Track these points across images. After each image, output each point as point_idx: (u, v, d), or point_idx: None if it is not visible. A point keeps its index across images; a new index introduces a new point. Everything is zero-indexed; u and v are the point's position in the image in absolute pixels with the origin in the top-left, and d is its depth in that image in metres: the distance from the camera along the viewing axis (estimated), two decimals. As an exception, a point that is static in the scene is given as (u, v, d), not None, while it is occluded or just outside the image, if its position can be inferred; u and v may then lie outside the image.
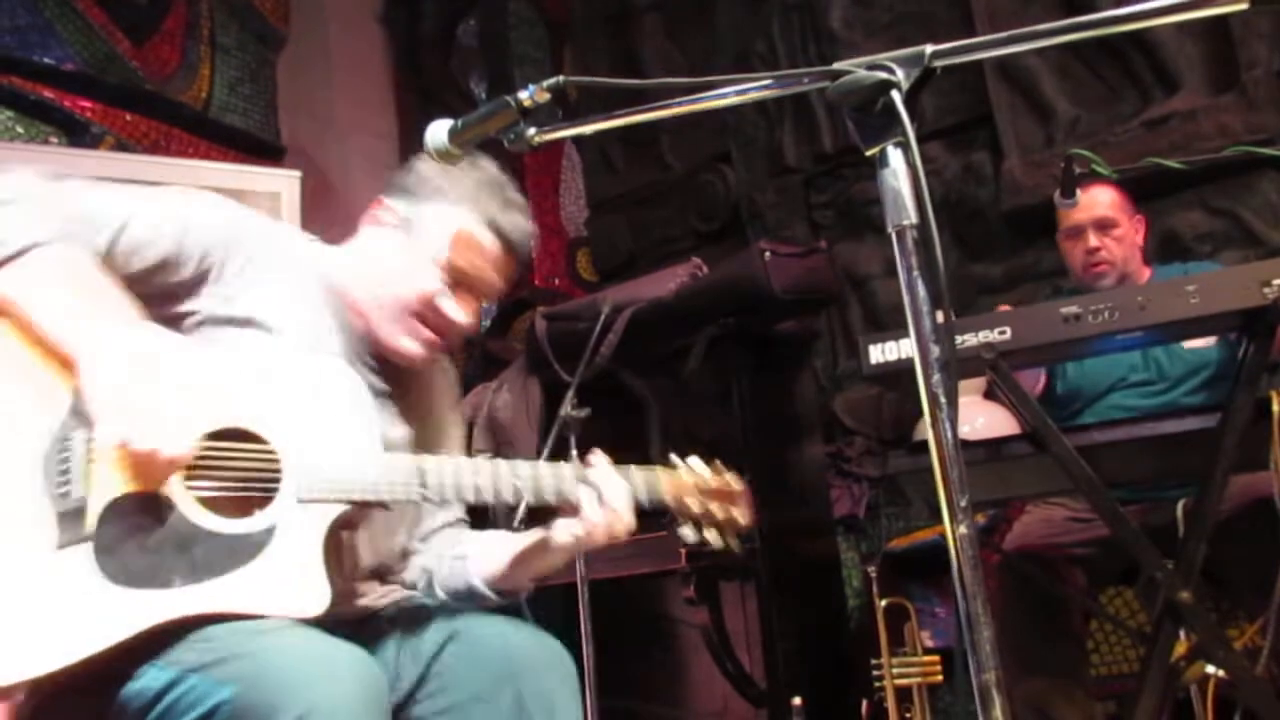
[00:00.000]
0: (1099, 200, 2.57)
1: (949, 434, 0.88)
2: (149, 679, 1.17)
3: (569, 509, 1.42)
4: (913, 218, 0.94)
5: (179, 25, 4.43)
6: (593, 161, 4.82)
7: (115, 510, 1.19)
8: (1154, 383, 2.48)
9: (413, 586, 1.58)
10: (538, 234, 1.56)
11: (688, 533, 1.50)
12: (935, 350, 0.90)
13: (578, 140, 4.63)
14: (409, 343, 1.48)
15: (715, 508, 1.51)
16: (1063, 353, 2.16)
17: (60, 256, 1.23)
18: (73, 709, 1.19)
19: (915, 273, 0.93)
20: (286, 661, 1.13)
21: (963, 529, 0.86)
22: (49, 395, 1.21)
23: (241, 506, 1.26)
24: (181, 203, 1.38)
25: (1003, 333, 1.87)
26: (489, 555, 1.53)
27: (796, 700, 2.66)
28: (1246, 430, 1.79)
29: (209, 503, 1.24)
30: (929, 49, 0.97)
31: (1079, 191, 2.35)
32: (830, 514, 3.45)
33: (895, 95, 0.94)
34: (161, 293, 1.34)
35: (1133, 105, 3.36)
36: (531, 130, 1.30)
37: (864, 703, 2.77)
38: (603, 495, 1.40)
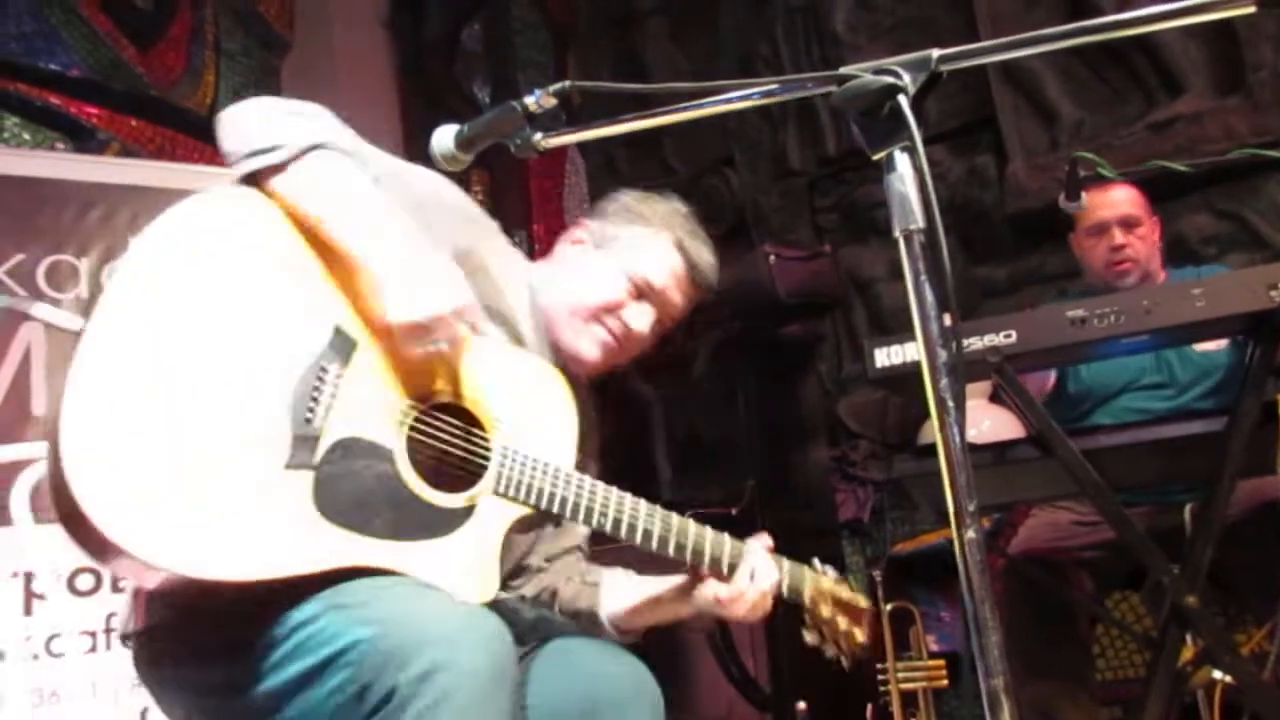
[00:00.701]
0: (1124, 198, 2.57)
1: (957, 438, 0.88)
2: (295, 609, 1.18)
3: (711, 574, 1.48)
4: (920, 222, 0.94)
5: (184, 32, 4.45)
6: (596, 165, 4.83)
7: (343, 448, 1.25)
8: (1166, 385, 2.48)
9: (533, 600, 1.61)
10: (714, 280, 1.69)
11: (812, 638, 1.56)
12: (943, 354, 0.90)
13: (581, 144, 4.64)
14: (588, 345, 1.56)
15: (841, 620, 1.56)
16: (1069, 356, 2.16)
17: (343, 165, 1.32)
18: (212, 616, 1.22)
19: (922, 277, 0.93)
20: (426, 615, 1.15)
21: (970, 533, 0.86)
22: (319, 311, 1.28)
23: (441, 479, 1.33)
24: (436, 178, 1.49)
25: (1008, 336, 1.87)
26: (618, 590, 1.58)
27: (801, 705, 2.66)
28: (1253, 434, 1.78)
29: (423, 468, 1.31)
30: (935, 53, 0.97)
31: (1100, 190, 2.34)
32: (835, 518, 3.45)
33: (902, 100, 0.94)
34: None
35: (1137, 108, 3.36)
36: (538, 135, 1.30)
37: (869, 707, 2.76)
38: (756, 573, 1.47)
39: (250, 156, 1.30)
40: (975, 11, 3.52)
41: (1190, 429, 1.89)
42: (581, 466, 1.58)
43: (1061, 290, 2.96)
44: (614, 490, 1.43)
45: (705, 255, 1.64)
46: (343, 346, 1.29)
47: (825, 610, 1.55)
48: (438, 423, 1.34)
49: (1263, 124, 3.06)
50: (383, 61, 5.00)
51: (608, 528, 1.40)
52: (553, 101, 1.30)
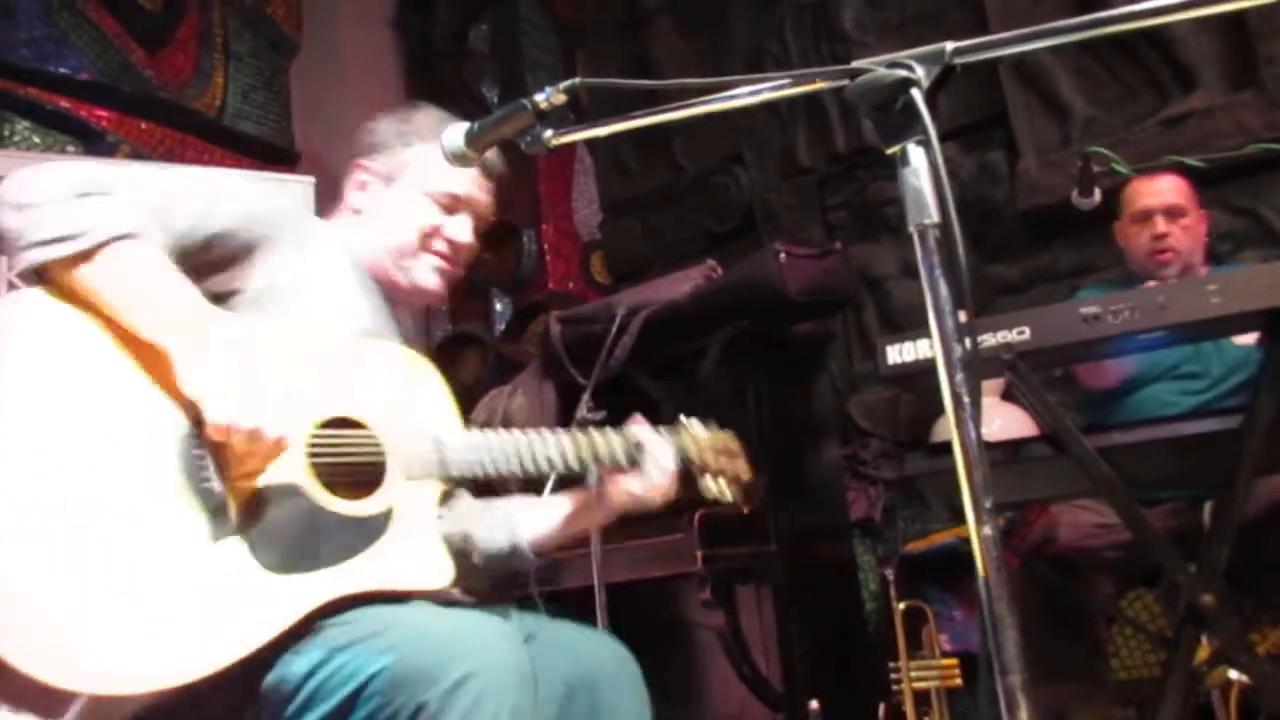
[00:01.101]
0: (1169, 187, 2.55)
1: (972, 435, 0.87)
2: (292, 664, 1.19)
3: (614, 471, 1.56)
4: (934, 217, 0.93)
5: (192, 34, 4.46)
6: (606, 164, 4.82)
7: (253, 502, 1.24)
8: (1199, 376, 2.46)
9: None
10: (506, 167, 1.71)
11: (710, 486, 1.63)
12: (958, 350, 0.89)
13: (590, 143, 4.64)
14: (426, 276, 1.60)
15: (726, 462, 1.65)
16: (1083, 353, 2.14)
17: (140, 251, 1.26)
18: (209, 703, 1.18)
19: (937, 272, 0.92)
20: (441, 630, 1.17)
21: (987, 530, 0.85)
22: (166, 392, 1.24)
23: (356, 491, 1.34)
24: (224, 178, 1.49)
25: (1021, 333, 1.85)
26: (531, 518, 1.64)
27: (814, 704, 2.65)
28: (1271, 432, 1.77)
29: (336, 487, 1.31)
30: (949, 46, 0.96)
31: (1146, 179, 2.32)
32: (847, 517, 3.43)
33: (916, 93, 0.93)
34: (211, 270, 1.39)
35: (1150, 103, 3.34)
36: (548, 133, 1.30)
37: (881, 706, 2.75)
38: (659, 459, 1.55)
39: (47, 244, 1.20)
40: (985, 7, 3.50)
41: (1206, 426, 1.88)
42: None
43: (1073, 288, 2.94)
44: (502, 433, 1.50)
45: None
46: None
47: (711, 458, 1.63)
48: (330, 439, 1.34)
49: (1276, 119, 3.04)
50: (390, 62, 5.01)
51: (517, 469, 1.48)
52: (563, 99, 1.30)
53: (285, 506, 1.26)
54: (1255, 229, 3.15)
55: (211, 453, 1.23)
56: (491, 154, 1.64)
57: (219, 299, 1.39)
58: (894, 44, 3.71)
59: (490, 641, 1.18)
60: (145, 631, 1.10)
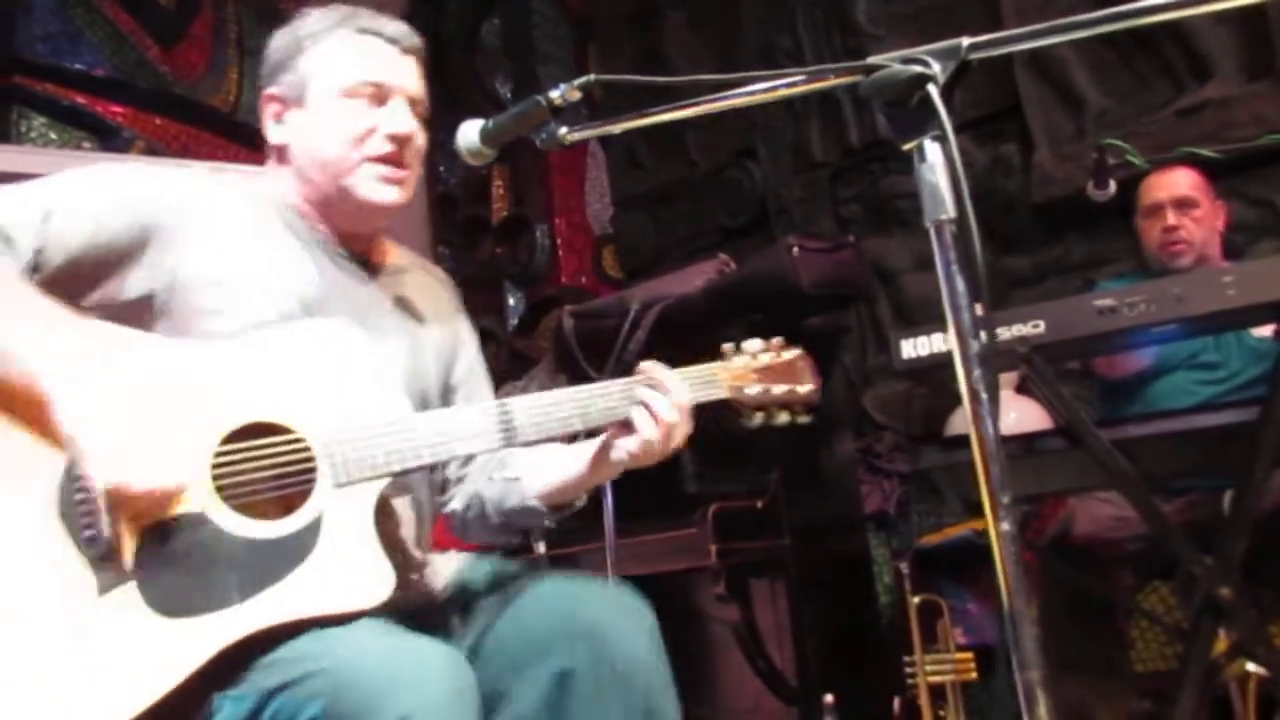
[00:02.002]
0: (1180, 179, 2.55)
1: (990, 430, 0.87)
2: (227, 712, 1.12)
3: (622, 430, 1.39)
4: (951, 212, 0.93)
5: (206, 29, 4.47)
6: (618, 158, 4.82)
7: (151, 540, 1.14)
8: (1217, 366, 2.45)
9: (462, 515, 1.55)
10: (419, 38, 1.54)
11: (756, 419, 1.47)
12: (974, 345, 0.89)
13: (602, 138, 4.63)
14: (374, 189, 1.43)
15: (776, 388, 1.48)
16: (1098, 346, 2.14)
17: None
18: None
19: (954, 267, 0.92)
20: (371, 664, 1.08)
21: (1005, 526, 0.85)
22: (40, 438, 1.14)
23: (284, 504, 1.22)
24: (97, 179, 1.33)
25: (1036, 326, 1.85)
26: (540, 472, 1.49)
27: (828, 698, 2.65)
28: (1287, 424, 1.76)
29: (248, 508, 1.19)
30: (965, 41, 0.96)
31: (1159, 172, 2.31)
32: (861, 510, 3.43)
33: (932, 89, 0.93)
34: (106, 278, 1.29)
35: (1165, 94, 3.31)
36: (563, 129, 1.30)
37: (896, 700, 2.75)
38: (654, 409, 1.36)
39: None
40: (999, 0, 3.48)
41: (1223, 419, 1.87)
42: (450, 360, 1.54)
43: (1087, 281, 2.93)
44: (465, 407, 1.34)
45: (386, 21, 1.50)
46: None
47: (755, 390, 1.47)
48: (239, 455, 1.21)
49: (1293, 109, 3.01)
50: (403, 57, 5.00)
51: (477, 448, 1.32)
52: (577, 95, 1.30)
53: (188, 538, 1.15)
54: (1272, 220, 3.13)
55: (97, 493, 1.13)
56: (396, 28, 1.50)
57: (125, 310, 1.28)
58: (907, 37, 3.71)
59: (427, 667, 1.10)
60: (20, 709, 1.04)
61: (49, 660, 1.08)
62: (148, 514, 1.14)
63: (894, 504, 3.53)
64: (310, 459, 1.23)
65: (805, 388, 1.51)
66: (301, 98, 1.46)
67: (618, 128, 1.31)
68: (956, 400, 2.71)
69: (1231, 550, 1.81)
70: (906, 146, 0.96)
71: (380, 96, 1.45)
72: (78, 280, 1.27)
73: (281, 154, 1.49)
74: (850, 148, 4.00)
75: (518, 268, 4.84)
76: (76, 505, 1.14)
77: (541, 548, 1.58)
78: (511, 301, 4.90)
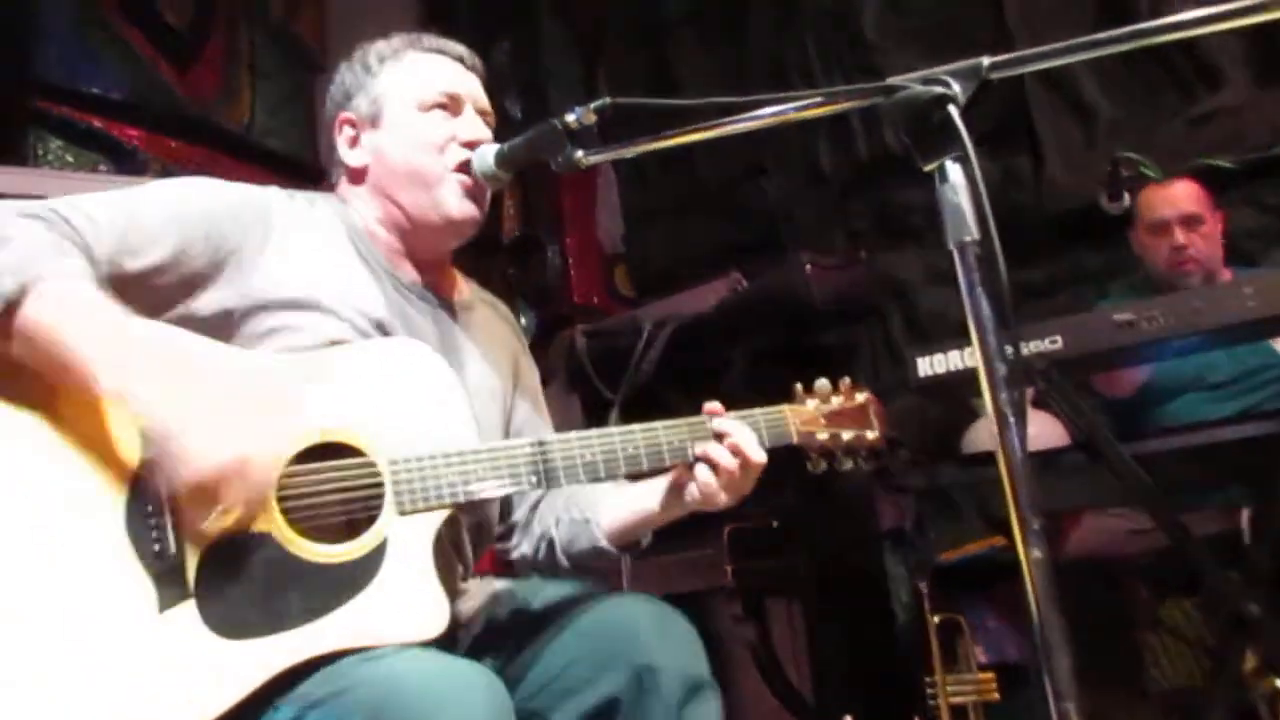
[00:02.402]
0: (1185, 195, 2.53)
1: (1018, 455, 0.86)
2: None
3: (687, 469, 1.39)
4: (975, 233, 0.92)
5: (219, 53, 4.50)
6: (628, 176, 4.82)
7: (213, 558, 1.14)
8: (1226, 385, 2.42)
9: (532, 560, 1.55)
10: (475, 56, 1.61)
11: (821, 465, 1.49)
12: (1002, 369, 0.88)
13: (613, 155, 4.63)
14: (455, 199, 1.47)
15: (845, 431, 1.49)
16: (1117, 360, 2.12)
17: (62, 293, 1.13)
18: None
19: (979, 289, 0.91)
20: (413, 683, 1.08)
21: (1036, 554, 0.84)
22: (113, 453, 1.14)
23: (347, 525, 1.22)
24: (176, 192, 1.33)
25: (1054, 342, 1.84)
26: (610, 512, 1.49)
27: (847, 718, 2.62)
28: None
29: (312, 531, 1.19)
30: (986, 61, 0.95)
31: (1161, 186, 2.29)
32: (877, 527, 3.40)
33: (953, 110, 0.92)
34: (185, 295, 1.29)
35: (1176, 102, 3.30)
36: (579, 153, 1.30)
37: (916, 720, 2.72)
38: (719, 462, 1.37)
39: None
40: (1005, 15, 3.47)
41: (1244, 432, 1.85)
42: (511, 401, 1.55)
43: (1102, 293, 2.91)
44: (529, 442, 1.33)
45: (449, 42, 1.57)
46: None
47: (822, 434, 1.48)
48: (308, 476, 1.21)
49: (1307, 118, 3.00)
50: (414, 77, 5.03)
51: (539, 482, 1.31)
52: (593, 118, 1.31)
53: (251, 559, 1.15)
54: (1285, 228, 3.11)
55: (168, 507, 1.14)
56: (459, 49, 1.57)
57: (200, 325, 1.29)
58: (915, 51, 3.71)
59: (470, 688, 1.10)
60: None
61: (105, 675, 1.08)
62: (215, 531, 1.14)
63: (910, 520, 3.50)
64: (378, 483, 1.24)
65: (873, 433, 1.52)
66: (377, 118, 1.51)
67: (634, 151, 1.31)
68: (971, 415, 2.69)
69: (1257, 566, 1.78)
70: (928, 168, 0.95)
71: (454, 108, 1.51)
72: (154, 294, 1.27)
73: (357, 176, 1.52)
74: (859, 161, 4.00)
75: (529, 287, 4.85)
76: (146, 518, 1.14)
77: (564, 561, 1.56)
78: (523, 321, 4.90)
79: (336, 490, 1.22)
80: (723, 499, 1.40)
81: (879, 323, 3.90)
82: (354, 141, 1.53)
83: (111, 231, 1.24)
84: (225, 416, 1.11)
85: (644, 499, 1.47)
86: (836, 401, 1.51)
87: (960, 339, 2.83)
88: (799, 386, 1.52)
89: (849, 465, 1.51)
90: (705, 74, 4.44)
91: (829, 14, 4.09)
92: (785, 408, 1.49)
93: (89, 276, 1.17)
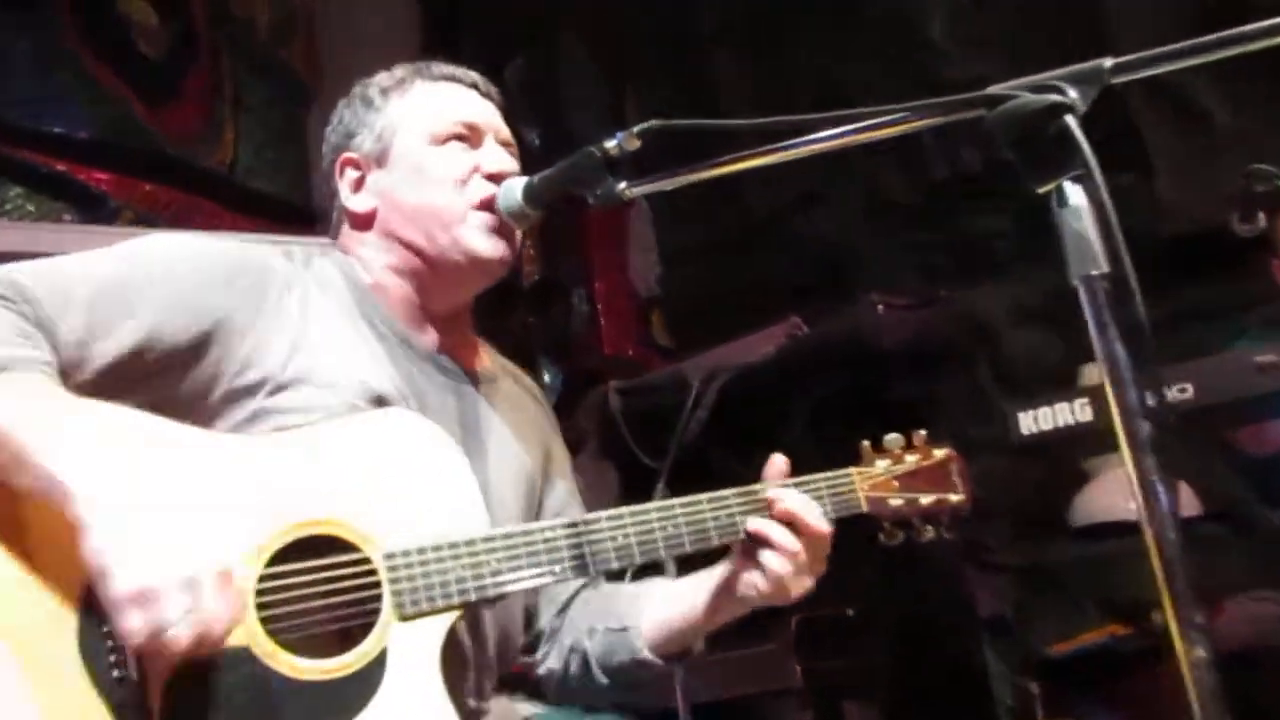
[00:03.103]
0: None
1: (1171, 534, 0.81)
2: None
3: (743, 545, 1.38)
4: (1103, 265, 0.89)
5: (200, 85, 4.57)
6: (663, 208, 4.83)
7: (182, 681, 1.11)
8: None
9: (562, 677, 1.52)
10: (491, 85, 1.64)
11: (896, 536, 1.48)
12: (1145, 427, 0.84)
13: (646, 186, 4.65)
14: (481, 239, 1.46)
15: (924, 497, 1.48)
16: (1261, 411, 2.06)
17: (19, 388, 1.13)
18: None
19: (1112, 332, 0.87)
20: None
21: (1200, 651, 0.79)
22: (64, 562, 1.11)
23: (340, 638, 1.20)
24: (157, 254, 1.33)
25: (1183, 390, 1.80)
26: (651, 614, 1.47)
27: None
28: None
29: (298, 643, 1.17)
30: (1108, 62, 0.93)
31: None
32: (971, 613, 3.33)
33: (1071, 120, 0.90)
34: (163, 376, 1.29)
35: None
36: (622, 184, 1.29)
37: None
38: (776, 541, 1.36)
39: None
40: (1103, 11, 3.46)
41: None
42: (541, 488, 1.53)
43: (1235, 331, 2.85)
44: (552, 525, 1.32)
45: (460, 68, 1.60)
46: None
47: (895, 500, 1.46)
48: (290, 577, 1.18)
49: None
50: (417, 106, 5.09)
51: (564, 571, 1.30)
52: (636, 144, 1.30)
53: (227, 680, 1.12)
54: None
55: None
56: (471, 76, 1.60)
57: (175, 406, 1.27)
58: (996, 58, 3.69)
59: None
60: None
61: None
62: (171, 655, 1.10)
63: (1012, 606, 3.42)
64: (374, 582, 1.21)
65: (956, 495, 1.50)
66: (384, 156, 1.52)
67: (680, 181, 1.30)
68: (1079, 479, 2.62)
69: None
70: (1042, 190, 0.93)
71: (473, 138, 1.52)
72: (124, 380, 1.26)
73: (363, 222, 1.53)
74: (933, 182, 3.97)
75: (553, 339, 4.85)
76: (102, 638, 1.11)
77: (602, 677, 1.52)
78: (547, 378, 4.89)
79: (325, 593, 1.20)
80: (788, 587, 1.37)
81: (962, 371, 3.85)
82: (358, 184, 1.54)
83: (81, 308, 1.23)
84: (174, 518, 1.08)
85: (692, 596, 1.45)
86: (911, 460, 1.50)
87: (1066, 389, 2.78)
88: (866, 444, 1.51)
89: (930, 535, 1.48)
90: (746, 92, 4.46)
91: (887, 20, 4.09)
92: (852, 470, 1.49)
93: (52, 366, 1.17)
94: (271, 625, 1.16)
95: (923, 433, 1.54)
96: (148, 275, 1.30)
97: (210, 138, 4.52)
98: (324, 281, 1.46)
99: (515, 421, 1.56)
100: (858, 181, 4.18)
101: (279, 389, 1.32)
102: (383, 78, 1.58)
